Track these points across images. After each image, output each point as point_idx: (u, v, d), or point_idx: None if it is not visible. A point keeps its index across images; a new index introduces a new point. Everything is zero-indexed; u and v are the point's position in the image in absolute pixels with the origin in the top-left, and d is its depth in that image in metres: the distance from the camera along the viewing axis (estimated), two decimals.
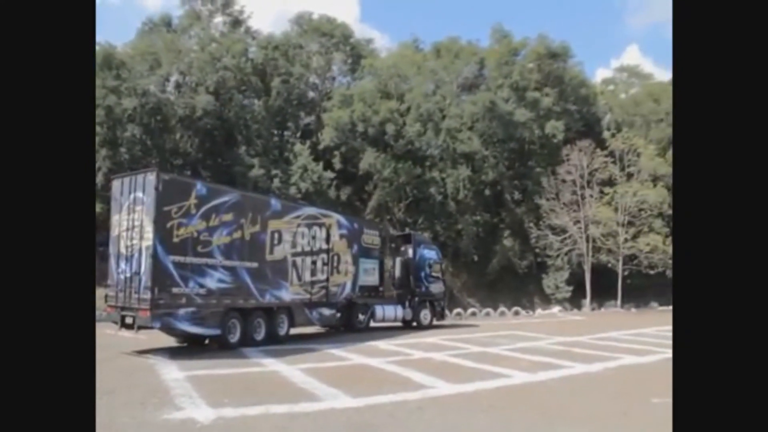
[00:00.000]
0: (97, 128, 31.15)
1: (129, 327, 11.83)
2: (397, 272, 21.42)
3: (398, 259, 21.64)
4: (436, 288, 21.60)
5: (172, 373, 9.61)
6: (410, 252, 21.27)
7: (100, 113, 31.03)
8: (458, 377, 9.80)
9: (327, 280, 16.55)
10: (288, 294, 15.05)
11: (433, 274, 21.45)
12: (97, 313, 22.11)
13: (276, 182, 32.92)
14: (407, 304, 20.47)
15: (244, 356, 12.12)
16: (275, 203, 15.39)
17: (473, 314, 29.96)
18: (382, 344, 14.72)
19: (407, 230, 30.58)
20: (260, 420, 6.67)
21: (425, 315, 20.91)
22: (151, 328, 11.82)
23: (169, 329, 12.45)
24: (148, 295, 11.34)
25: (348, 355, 12.60)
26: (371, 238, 19.12)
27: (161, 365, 10.57)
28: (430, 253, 21.88)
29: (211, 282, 12.64)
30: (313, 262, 16.03)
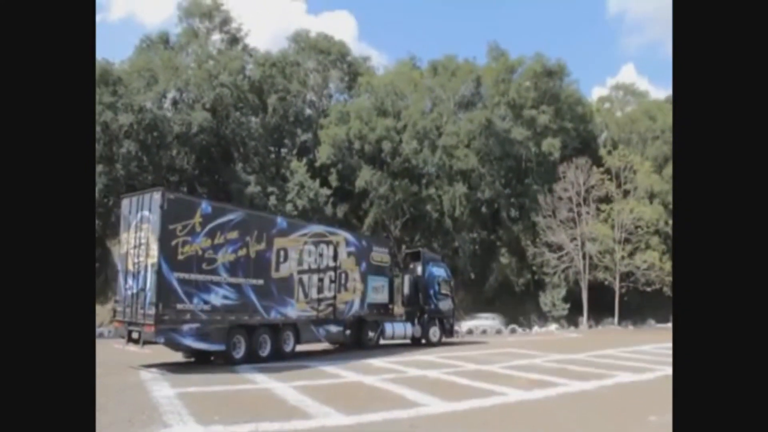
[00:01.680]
0: None
1: (135, 342, 12.03)
2: (407, 289, 21.41)
3: (407, 277, 21.60)
4: (445, 305, 21.54)
5: (164, 389, 9.45)
6: (419, 269, 21.25)
7: (96, 129, 31.03)
8: (452, 395, 9.65)
9: (334, 297, 16.58)
10: (294, 311, 15.07)
11: (442, 291, 21.38)
12: (106, 329, 21.99)
13: (272, 199, 32.91)
14: (416, 321, 20.46)
15: (238, 373, 11.97)
16: (281, 221, 15.50)
17: (469, 332, 29.75)
18: (378, 362, 14.56)
19: (403, 248, 30.51)
20: None
21: (434, 332, 20.84)
22: (156, 343, 11.91)
23: (173, 344, 12.47)
24: (152, 311, 11.57)
25: (342, 373, 12.44)
26: (380, 255, 19.09)
27: (153, 382, 10.41)
28: (439, 271, 21.81)
29: (216, 298, 12.79)
30: (320, 280, 16.06)
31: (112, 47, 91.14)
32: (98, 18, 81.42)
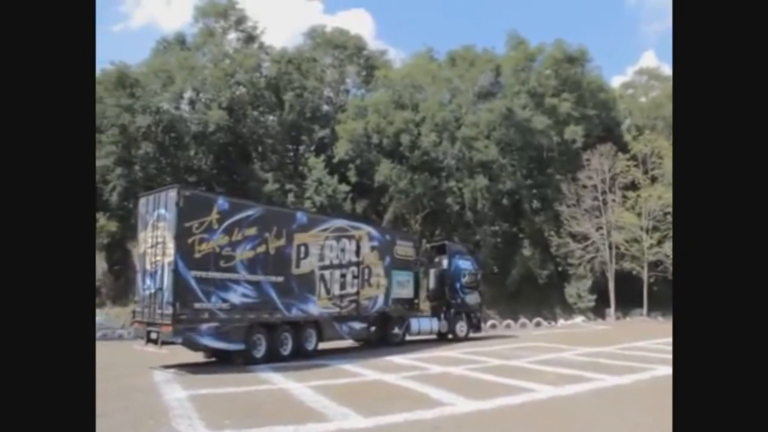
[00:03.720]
0: (112, 147, 31.28)
1: (154, 342, 11.89)
2: (432, 284, 21.05)
3: (433, 271, 21.23)
4: (472, 299, 21.07)
5: (176, 392, 9.11)
6: (445, 263, 20.83)
7: (114, 132, 31.12)
8: (479, 393, 9.16)
9: (357, 293, 16.26)
10: (316, 308, 14.79)
11: (469, 284, 20.88)
12: (126, 331, 22.08)
13: (291, 197, 32.65)
14: (442, 316, 20.03)
15: (254, 373, 11.66)
16: (301, 216, 15.26)
17: (493, 326, 29.16)
18: (399, 359, 14.12)
19: (424, 242, 29.99)
20: None
21: (461, 327, 20.39)
22: (174, 343, 11.74)
23: (191, 344, 12.27)
24: (169, 311, 11.43)
25: (363, 371, 12.04)
26: (405, 249, 18.69)
27: (165, 384, 10.11)
28: (466, 264, 21.32)
29: (235, 297, 12.60)
30: (343, 275, 15.76)
31: (133, 54, 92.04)
32: (119, 27, 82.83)
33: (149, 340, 12.06)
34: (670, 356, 13.95)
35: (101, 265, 30.07)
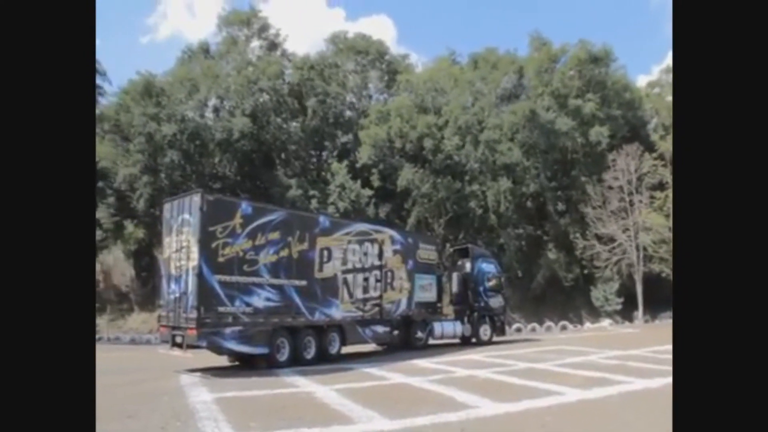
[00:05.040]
0: (138, 155, 31.92)
1: (179, 346, 11.98)
2: (455, 287, 20.96)
3: (456, 274, 21.13)
4: (496, 302, 20.90)
5: (202, 395, 9.19)
6: (468, 266, 20.73)
7: (141, 140, 31.72)
8: (505, 395, 9.05)
9: (380, 297, 16.24)
10: (339, 312, 14.81)
11: (492, 287, 20.74)
12: (153, 336, 22.48)
13: (314, 202, 32.83)
14: (466, 319, 19.92)
15: (279, 377, 11.68)
16: (324, 220, 15.33)
17: (518, 330, 28.87)
18: (424, 362, 14.04)
19: (447, 246, 29.87)
20: None
21: (485, 330, 20.24)
22: (199, 347, 11.83)
23: (215, 348, 12.37)
24: (194, 315, 11.50)
25: (387, 374, 11.99)
26: (428, 253, 18.61)
27: (192, 387, 10.19)
28: (489, 267, 21.20)
29: (258, 301, 12.65)
30: (365, 279, 15.77)
31: (160, 65, 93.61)
32: (146, 39, 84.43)
33: (174, 344, 12.16)
34: None
35: (129, 271, 30.64)
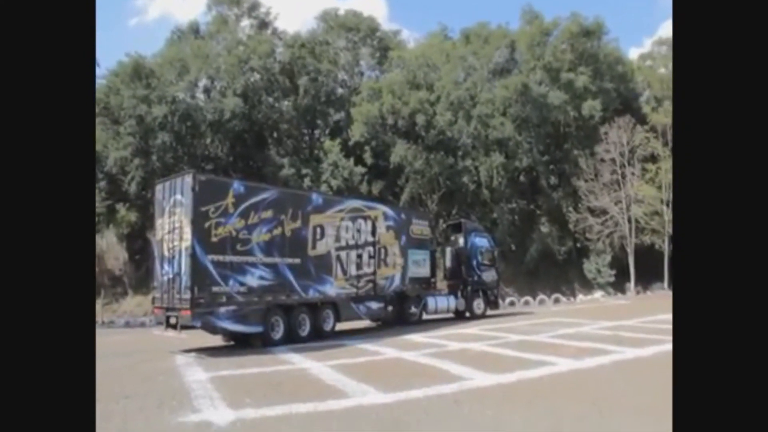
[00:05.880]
0: (129, 138, 31.66)
1: (173, 327, 12.01)
2: (449, 262, 21.10)
3: (449, 249, 21.25)
4: (489, 276, 21.10)
5: (197, 374, 9.27)
6: (461, 241, 20.84)
7: (131, 123, 31.43)
8: (498, 367, 9.19)
9: (374, 273, 16.32)
10: (333, 289, 14.88)
11: (485, 262, 20.90)
12: (147, 318, 22.55)
13: (307, 181, 32.74)
14: (459, 294, 20.07)
15: (273, 354, 11.79)
16: (316, 198, 15.33)
17: (511, 304, 29.12)
18: (418, 337, 14.19)
19: (441, 222, 29.94)
20: (281, 420, 6.25)
21: (478, 305, 20.44)
22: (193, 327, 11.87)
23: (210, 328, 12.41)
24: (188, 295, 11.53)
25: (381, 349, 12.12)
26: (420, 228, 18.71)
27: (187, 367, 10.28)
28: (482, 241, 21.34)
29: (252, 279, 12.68)
30: (359, 256, 15.83)
31: (149, 47, 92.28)
32: (134, 21, 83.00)
33: (168, 325, 12.18)
34: None
35: (122, 254, 30.56)
